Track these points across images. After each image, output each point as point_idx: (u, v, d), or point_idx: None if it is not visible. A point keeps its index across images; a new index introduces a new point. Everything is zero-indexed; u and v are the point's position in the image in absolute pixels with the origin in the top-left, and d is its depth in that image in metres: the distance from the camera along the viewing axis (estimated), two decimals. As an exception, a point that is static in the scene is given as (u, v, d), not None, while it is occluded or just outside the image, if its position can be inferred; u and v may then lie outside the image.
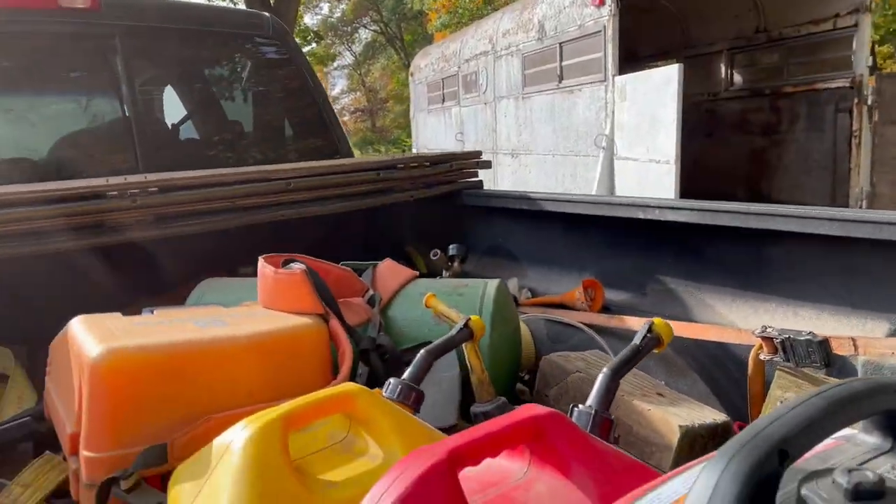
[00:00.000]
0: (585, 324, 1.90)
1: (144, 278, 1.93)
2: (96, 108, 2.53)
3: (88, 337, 1.15)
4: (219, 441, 0.98)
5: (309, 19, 28.67)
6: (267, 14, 2.93)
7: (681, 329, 1.66)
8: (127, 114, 2.50)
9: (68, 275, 1.82)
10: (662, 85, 4.76)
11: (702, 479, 0.53)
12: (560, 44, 6.45)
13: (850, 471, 0.54)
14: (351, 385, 1.07)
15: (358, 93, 33.69)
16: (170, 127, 2.80)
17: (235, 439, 0.96)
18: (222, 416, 1.09)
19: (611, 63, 5.47)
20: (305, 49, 27.00)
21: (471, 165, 2.46)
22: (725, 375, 1.70)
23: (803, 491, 0.56)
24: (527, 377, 1.84)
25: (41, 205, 1.69)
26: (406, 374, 1.19)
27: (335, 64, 32.67)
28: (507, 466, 0.93)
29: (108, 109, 2.52)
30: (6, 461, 1.46)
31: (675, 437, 1.37)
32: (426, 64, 11.30)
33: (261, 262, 1.42)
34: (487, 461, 0.90)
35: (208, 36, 2.71)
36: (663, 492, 0.70)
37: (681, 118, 4.68)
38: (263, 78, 2.97)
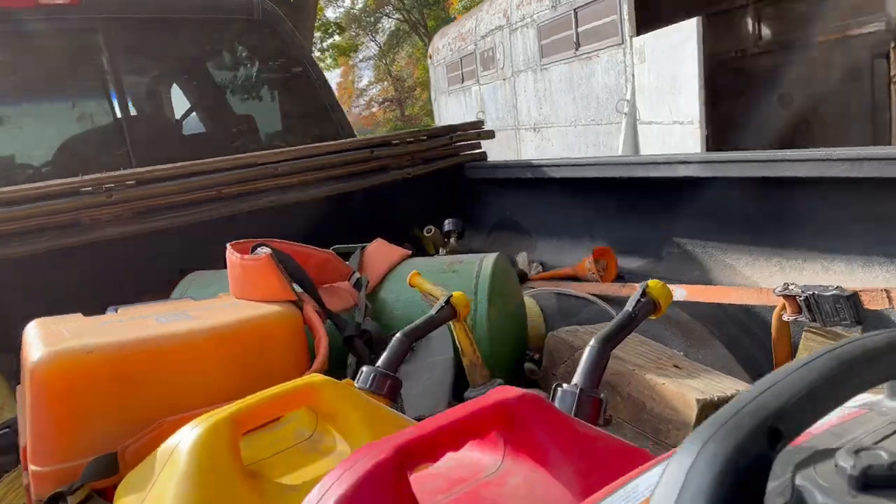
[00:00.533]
0: (597, 295, 1.77)
1: (133, 276, 1.85)
2: (83, 106, 2.46)
3: (34, 341, 1.06)
4: (164, 447, 0.88)
5: (331, 13, 28.64)
6: None
7: (697, 293, 1.52)
8: (116, 110, 2.43)
9: (53, 278, 1.75)
10: (681, 42, 4.53)
11: (670, 470, 0.40)
12: (574, 9, 6.23)
13: (857, 451, 0.41)
14: (314, 377, 0.97)
15: (385, 83, 33.62)
16: (162, 121, 2.72)
17: (180, 444, 0.86)
18: (175, 418, 0.99)
19: (627, 24, 5.24)
20: (328, 42, 27.02)
21: (472, 137, 2.33)
22: (751, 341, 1.56)
23: (798, 480, 0.44)
24: (536, 356, 1.71)
25: (14, 206, 1.62)
26: (380, 361, 1.08)
27: (360, 56, 32.68)
28: (479, 459, 0.81)
29: (96, 107, 2.45)
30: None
31: (692, 413, 1.24)
32: (444, 45, 11.12)
33: (228, 248, 1.32)
34: (460, 454, 0.79)
35: (194, 24, 2.61)
36: (639, 484, 0.59)
37: (703, 76, 4.46)
38: (256, 64, 2.87)
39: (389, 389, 1.05)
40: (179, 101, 2.82)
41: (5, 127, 2.33)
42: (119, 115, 2.43)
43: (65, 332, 1.09)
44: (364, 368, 1.07)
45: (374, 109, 33.65)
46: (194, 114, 2.83)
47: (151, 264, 1.81)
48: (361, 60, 33.63)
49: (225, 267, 1.90)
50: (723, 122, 5.81)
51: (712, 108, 4.64)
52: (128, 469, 0.98)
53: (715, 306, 1.58)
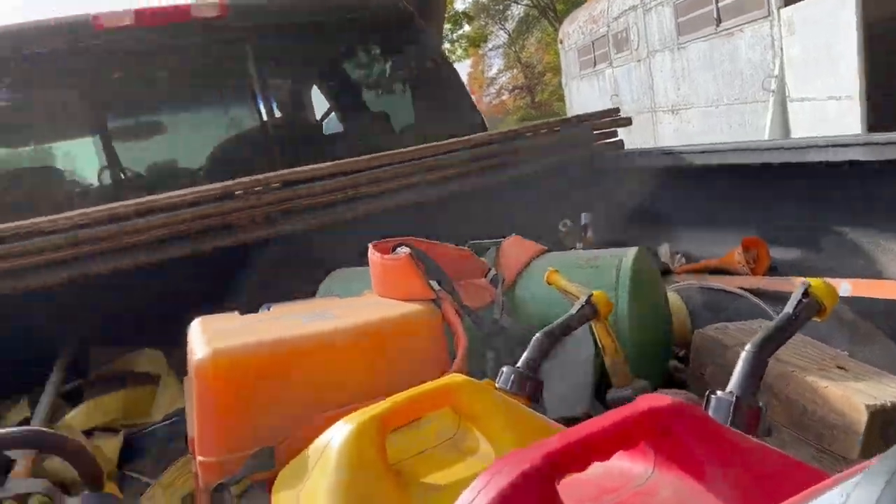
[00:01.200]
0: (747, 289, 1.67)
1: (282, 275, 1.94)
2: (233, 112, 2.61)
3: (198, 339, 1.14)
4: (315, 444, 0.92)
5: (460, 4, 28.91)
6: None
7: (864, 288, 1.39)
8: (262, 114, 2.56)
9: (212, 277, 1.87)
10: (836, 10, 4.17)
11: (856, 497, 0.37)
12: (715, -17, 5.90)
13: None
14: (456, 377, 0.97)
15: (515, 70, 33.50)
16: (304, 122, 2.84)
17: (330, 442, 0.89)
18: (326, 415, 1.03)
19: (774, -5, 4.90)
20: (458, 33, 27.30)
21: (606, 125, 2.26)
22: (929, 340, 1.41)
23: None
24: (682, 353, 1.64)
25: (172, 211, 1.74)
26: (520, 361, 1.07)
27: (489, 45, 32.75)
28: (628, 468, 0.78)
29: (244, 113, 2.59)
30: (163, 461, 1.52)
31: (861, 417, 1.13)
32: (574, 29, 10.89)
33: (370, 249, 1.35)
34: (608, 462, 0.77)
35: (332, 25, 2.69)
36: (813, 508, 0.53)
37: (864, 46, 4.07)
38: (391, 62, 2.93)
39: (531, 390, 1.04)
40: (319, 102, 2.94)
41: (165, 134, 2.52)
42: (265, 118, 2.56)
43: (224, 330, 1.16)
44: (504, 368, 1.06)
45: (504, 97, 33.67)
46: (336, 114, 2.94)
47: (305, 262, 1.89)
48: (491, 49, 33.70)
49: (364, 264, 1.97)
50: (887, 97, 5.29)
51: (874, 82, 4.22)
52: (282, 464, 1.03)
53: (882, 302, 1.44)
